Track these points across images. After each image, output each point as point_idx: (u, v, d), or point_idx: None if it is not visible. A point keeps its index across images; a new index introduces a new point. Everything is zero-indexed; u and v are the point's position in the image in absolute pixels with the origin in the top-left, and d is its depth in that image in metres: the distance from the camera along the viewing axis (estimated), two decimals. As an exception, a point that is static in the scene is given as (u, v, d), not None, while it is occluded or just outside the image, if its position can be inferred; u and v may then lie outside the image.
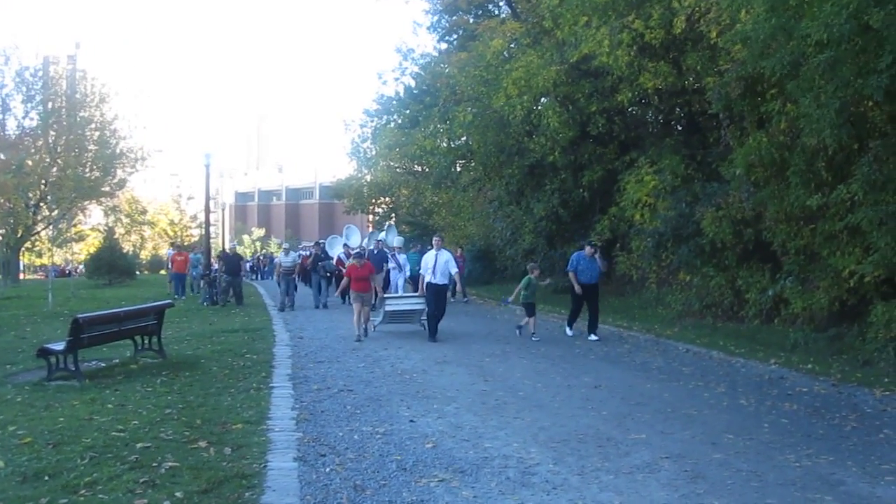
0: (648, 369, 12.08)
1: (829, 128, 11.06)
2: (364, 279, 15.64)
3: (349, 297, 19.26)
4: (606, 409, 9.16)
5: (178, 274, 30.14)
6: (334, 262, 24.37)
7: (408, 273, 23.14)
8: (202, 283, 26.94)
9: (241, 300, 24.61)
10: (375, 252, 22.09)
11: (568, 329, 16.29)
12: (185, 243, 49.04)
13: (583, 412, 9.00)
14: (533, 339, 15.20)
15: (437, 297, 15.51)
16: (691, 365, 12.66)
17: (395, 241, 25.23)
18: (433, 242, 16.05)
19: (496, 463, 6.80)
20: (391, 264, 22.69)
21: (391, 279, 22.75)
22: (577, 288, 15.71)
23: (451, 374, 11.32)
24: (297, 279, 25.10)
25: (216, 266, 26.26)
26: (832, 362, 12.07)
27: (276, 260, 31.04)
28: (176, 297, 27.65)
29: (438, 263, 15.41)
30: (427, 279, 15.46)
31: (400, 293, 21.79)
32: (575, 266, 15.89)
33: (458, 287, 22.63)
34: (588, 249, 15.98)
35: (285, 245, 29.03)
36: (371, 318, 16.24)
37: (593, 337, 15.43)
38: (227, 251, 27.99)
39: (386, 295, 17.35)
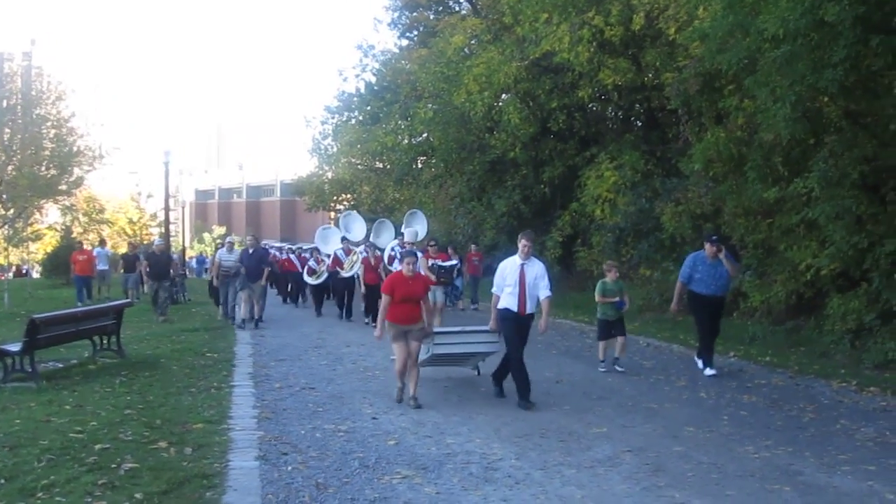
0: (609, 364, 12.16)
1: (784, 122, 11.19)
2: (415, 300, 9.45)
3: (366, 316, 17.25)
4: (568, 403, 9.23)
5: (81, 277, 24.57)
6: (330, 261, 19.37)
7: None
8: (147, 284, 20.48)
9: (166, 311, 19.11)
10: (251, 252, 17.74)
11: (705, 367, 11.31)
12: (144, 241, 48.44)
13: (544, 407, 9.04)
14: (600, 368, 11.64)
15: (521, 333, 9.52)
16: (652, 359, 12.78)
17: (410, 233, 17.81)
18: (520, 245, 9.73)
19: (459, 459, 6.80)
20: (399, 264, 17.74)
21: None
22: (673, 306, 11.90)
23: (414, 371, 11.29)
24: (266, 286, 18.89)
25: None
26: (790, 354, 12.22)
27: (212, 259, 23.19)
28: (79, 304, 22.12)
29: (527, 280, 9.45)
30: (504, 303, 9.53)
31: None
32: (689, 274, 11.38)
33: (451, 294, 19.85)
34: (709, 248, 11.23)
35: (229, 239, 21.46)
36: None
37: (709, 371, 11.16)
38: (154, 250, 21.31)
39: (438, 328, 10.90)
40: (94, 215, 47.47)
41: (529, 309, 9.49)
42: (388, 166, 33.49)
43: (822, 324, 12.58)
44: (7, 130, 39.54)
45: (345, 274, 18.41)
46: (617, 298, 11.75)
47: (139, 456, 6.66)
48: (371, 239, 20.35)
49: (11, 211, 41.12)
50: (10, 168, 39.32)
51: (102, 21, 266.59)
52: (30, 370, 10.39)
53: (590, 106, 22.50)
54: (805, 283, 12.92)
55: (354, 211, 26.35)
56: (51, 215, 46.69)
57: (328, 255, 20.28)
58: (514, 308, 9.40)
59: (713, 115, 15.51)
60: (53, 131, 41.05)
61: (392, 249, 17.85)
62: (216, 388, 9.95)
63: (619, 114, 23.28)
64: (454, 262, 16.62)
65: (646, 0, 17.04)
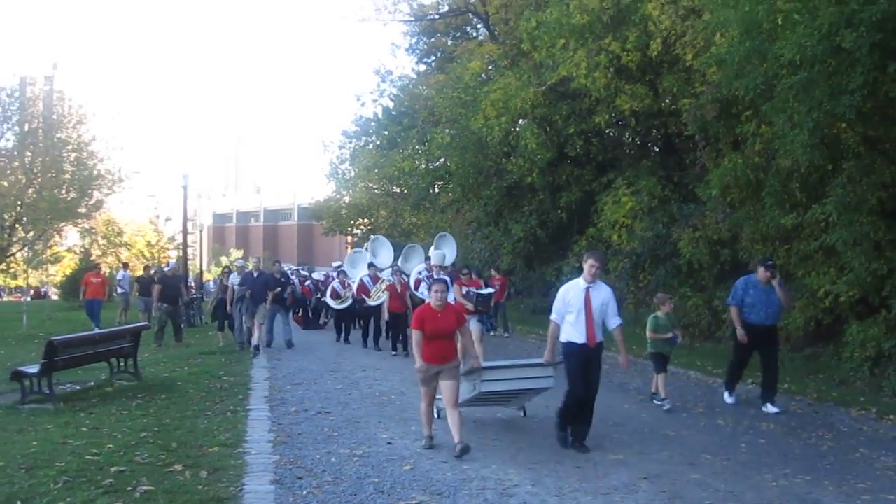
0: (626, 390, 12.10)
1: (802, 148, 11.17)
2: (447, 335, 8.31)
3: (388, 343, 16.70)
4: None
5: (93, 300, 23.68)
6: (355, 289, 18.53)
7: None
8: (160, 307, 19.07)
9: (181, 336, 19.03)
10: (256, 276, 17.09)
11: (727, 395, 11.12)
12: (161, 264, 48.64)
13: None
14: (664, 406, 10.62)
15: (587, 368, 8.30)
16: (669, 385, 12.66)
17: (437, 256, 16.55)
18: (585, 266, 8.50)
19: (474, 485, 6.77)
20: (427, 290, 15.52)
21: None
22: (740, 333, 10.50)
23: (430, 396, 11.25)
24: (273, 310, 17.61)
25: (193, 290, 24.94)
26: (808, 382, 12.13)
27: (219, 283, 22.46)
28: (95, 327, 21.20)
29: (594, 306, 8.31)
30: (567, 335, 8.37)
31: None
32: (741, 297, 10.54)
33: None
34: (762, 273, 10.40)
35: (238, 262, 21.81)
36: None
37: (772, 408, 10.28)
38: (166, 272, 21.33)
39: (487, 364, 9.22)
40: (112, 238, 47.76)
41: (598, 338, 8.33)
42: (406, 191, 33.60)
43: (841, 351, 12.49)
44: (28, 154, 39.90)
45: (371, 303, 17.83)
46: (670, 335, 10.92)
47: (155, 479, 6.67)
48: (400, 264, 19.63)
49: (31, 233, 41.49)
50: (30, 191, 39.66)
51: (124, 46, 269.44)
52: (48, 392, 10.46)
53: (607, 131, 22.54)
54: (823, 309, 12.84)
55: (382, 235, 25.41)
56: (70, 238, 47.05)
57: (352, 280, 19.68)
58: (581, 339, 8.23)
59: (730, 141, 15.48)
60: (74, 155, 41.41)
61: (419, 273, 17.16)
62: (232, 411, 9.96)
63: (637, 139, 23.27)
64: (491, 289, 15.45)
65: (663, 26, 17.10)
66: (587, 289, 8.34)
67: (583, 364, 8.25)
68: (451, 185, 27.67)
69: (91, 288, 23.63)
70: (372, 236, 24.81)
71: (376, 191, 39.04)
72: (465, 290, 14.08)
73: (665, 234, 17.66)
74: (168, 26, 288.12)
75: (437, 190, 30.59)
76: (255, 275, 17.14)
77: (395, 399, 11.11)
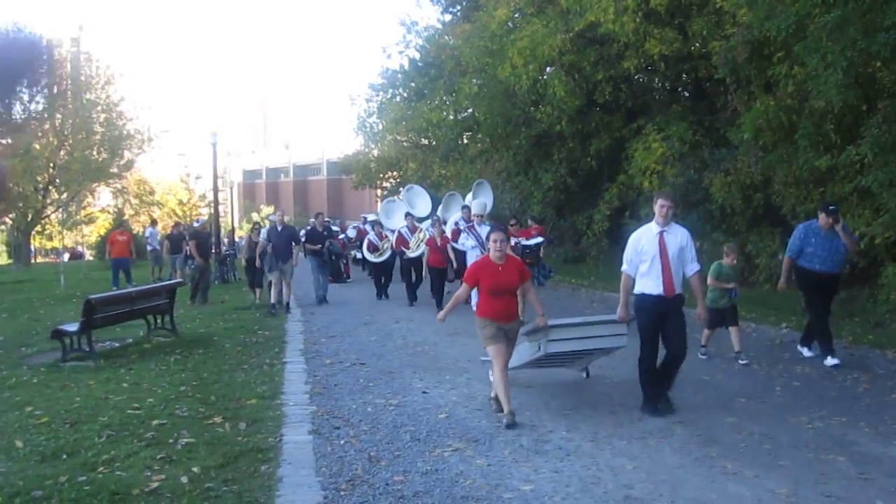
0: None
1: (836, 89, 10.99)
2: (510, 291, 7.51)
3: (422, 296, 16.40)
4: (618, 375, 9.17)
5: (119, 259, 23.04)
6: (394, 241, 17.90)
7: None
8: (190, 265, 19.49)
9: (206, 296, 18.22)
10: (280, 230, 16.23)
11: (807, 350, 10.28)
12: (192, 221, 49.05)
13: (595, 380, 9.04)
14: (700, 355, 10.26)
15: (664, 322, 7.54)
16: (702, 330, 12.67)
17: (476, 205, 16.17)
18: (656, 207, 7.68)
19: (509, 432, 6.83)
20: (466, 241, 15.15)
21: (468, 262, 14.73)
22: (781, 283, 10.27)
23: (463, 346, 11.34)
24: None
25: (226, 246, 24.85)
26: (843, 325, 12.04)
27: (247, 239, 21.24)
28: (114, 288, 20.57)
29: (670, 252, 7.51)
30: (641, 286, 7.65)
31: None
32: (799, 247, 9.97)
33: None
34: (824, 218, 9.73)
35: (271, 217, 20.76)
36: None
37: (832, 360, 9.61)
38: (196, 227, 21.24)
39: (554, 322, 7.93)
40: (144, 197, 48.19)
41: (678, 288, 7.52)
42: (434, 143, 33.43)
43: (877, 293, 12.37)
44: (58, 116, 40.26)
45: (411, 254, 16.97)
46: (732, 285, 10.40)
47: (195, 431, 6.81)
48: (440, 213, 19.00)
49: (65, 195, 41.97)
50: (62, 153, 40.10)
51: (148, 5, 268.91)
52: (87, 349, 10.65)
53: (636, 77, 22.23)
54: (859, 252, 12.71)
55: (417, 185, 24.48)
56: (103, 198, 47.53)
57: (391, 231, 19.26)
58: (657, 290, 7.45)
59: (762, 84, 15.25)
60: (103, 115, 41.74)
61: (455, 224, 16.44)
62: (268, 364, 10.11)
63: (666, 84, 22.95)
64: (539, 238, 14.87)
65: (692, -33, 16.81)
66: (661, 233, 7.55)
67: (659, 318, 7.48)
68: (479, 136, 27.49)
69: (117, 247, 23.12)
70: (406, 186, 23.80)
71: (405, 143, 38.88)
72: (512, 241, 13.37)
73: (697, 179, 17.52)
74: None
75: (465, 141, 30.41)
76: (280, 228, 16.33)
77: (429, 350, 11.20)
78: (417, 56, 33.29)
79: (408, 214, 18.54)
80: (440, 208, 19.84)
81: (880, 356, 10.02)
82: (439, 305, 14.77)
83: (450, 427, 7.03)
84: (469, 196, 19.42)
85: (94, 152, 41.13)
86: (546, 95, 21.79)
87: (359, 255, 24.26)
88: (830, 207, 9.88)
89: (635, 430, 6.84)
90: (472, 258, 14.43)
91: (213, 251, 22.83)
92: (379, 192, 50.42)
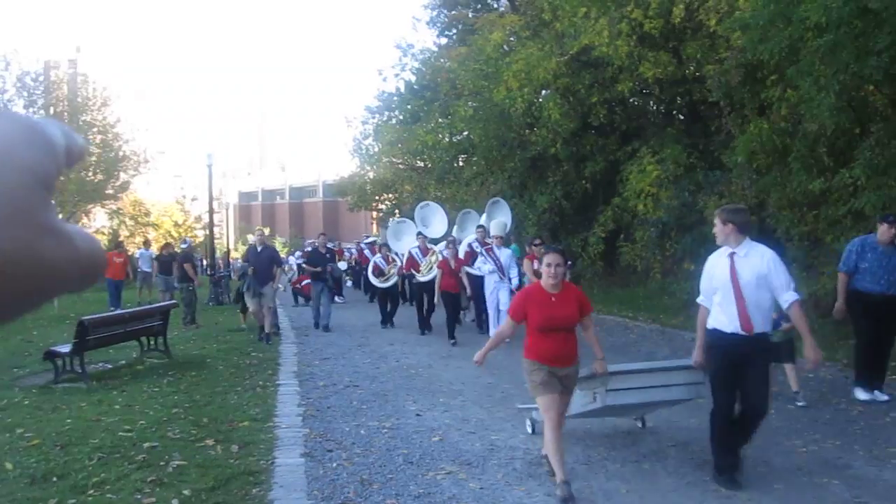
0: (654, 358, 12.06)
1: (829, 112, 11.05)
2: (568, 327, 6.20)
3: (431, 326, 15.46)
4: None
5: (113, 280, 22.85)
6: (404, 262, 16.79)
7: (514, 280, 14.40)
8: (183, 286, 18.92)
9: (195, 318, 17.93)
10: (259, 250, 14.93)
11: (860, 390, 8.79)
12: (195, 243, 49.01)
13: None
14: (798, 403, 8.63)
15: (739, 368, 6.00)
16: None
17: (495, 226, 15.59)
18: (716, 225, 6.26)
19: (503, 454, 6.81)
20: (483, 266, 14.49)
21: (486, 292, 14.53)
22: (838, 307, 8.92)
23: (457, 368, 11.32)
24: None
25: (222, 267, 24.84)
26: (838, 347, 12.01)
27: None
28: (112, 308, 20.44)
29: (742, 278, 6.03)
30: (713, 321, 6.23)
31: (494, 319, 13.93)
32: (854, 263, 8.81)
33: None
34: (885, 230, 8.55)
35: (252, 238, 18.16)
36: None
37: (882, 395, 8.64)
38: (186, 249, 21.00)
39: (615, 368, 6.83)
40: (140, 219, 48.20)
41: (759, 325, 5.95)
42: (429, 165, 33.50)
43: (871, 316, 12.36)
44: (55, 137, 40.33)
45: (422, 278, 15.67)
46: (775, 314, 8.30)
47: (187, 453, 6.77)
48: (455, 233, 17.80)
49: (60, 216, 41.93)
50: (57, 174, 40.11)
51: (145, 27, 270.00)
52: (80, 371, 10.61)
53: (631, 100, 22.35)
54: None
55: (433, 202, 23.02)
56: (98, 219, 47.52)
57: (397, 254, 18.20)
58: (731, 327, 5.97)
59: (756, 107, 15.32)
60: (100, 137, 41.87)
61: (469, 246, 15.44)
62: (261, 386, 10.08)
63: (661, 107, 23.06)
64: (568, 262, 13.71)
65: (686, -9, 16.91)
66: (732, 255, 6.08)
67: (732, 362, 5.97)
68: (474, 158, 27.57)
69: (112, 268, 22.36)
70: (421, 203, 22.15)
71: (400, 165, 38.96)
72: (536, 263, 11.73)
73: (691, 201, 17.56)
74: (190, 5, 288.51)
75: (460, 163, 30.49)
76: (259, 249, 14.96)
77: (423, 372, 11.18)
78: (413, 79, 33.46)
79: (419, 234, 17.47)
80: (455, 228, 18.92)
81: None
82: (451, 335, 14.12)
83: (443, 450, 7.00)
84: (484, 216, 18.59)
85: (90, 173, 41.20)
86: (541, 118, 21.88)
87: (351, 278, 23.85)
88: (891, 218, 8.71)
89: (629, 454, 6.82)
90: (488, 284, 14.27)
91: (208, 273, 22.68)
92: (374, 214, 50.48)
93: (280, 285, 15.73)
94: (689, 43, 17.90)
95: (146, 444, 7.06)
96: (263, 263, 14.64)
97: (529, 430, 7.43)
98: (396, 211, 43.30)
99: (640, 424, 7.78)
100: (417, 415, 8.46)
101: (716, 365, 6.17)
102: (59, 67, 43.78)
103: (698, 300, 6.49)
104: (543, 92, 22.07)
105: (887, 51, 10.18)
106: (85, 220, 45.36)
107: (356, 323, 17.56)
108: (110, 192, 42.74)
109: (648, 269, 20.40)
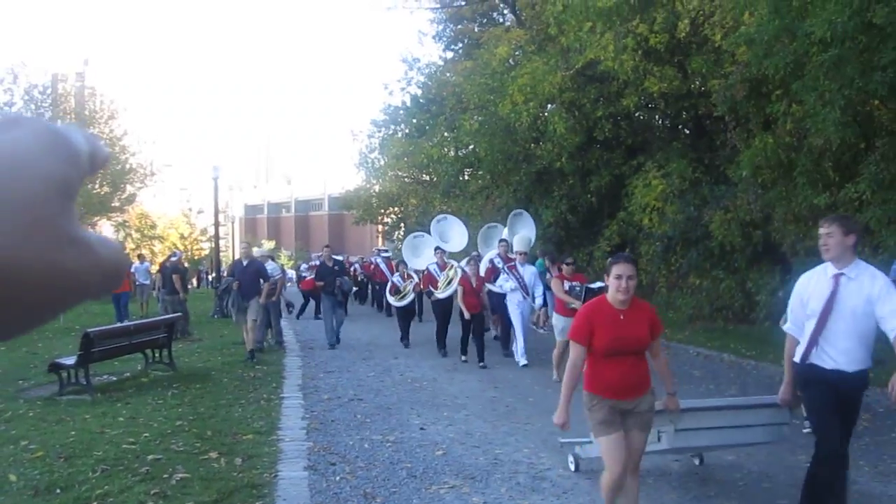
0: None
1: (834, 126, 11.07)
2: (638, 350, 5.14)
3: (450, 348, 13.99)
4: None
5: (118, 294, 21.69)
6: (422, 279, 15.79)
7: (538, 300, 13.65)
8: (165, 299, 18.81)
9: (187, 330, 17.35)
10: (245, 264, 13.99)
11: None
12: (197, 257, 49.03)
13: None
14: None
15: (840, 406, 5.09)
16: (702, 368, 12.65)
17: (518, 241, 14.82)
18: (821, 234, 5.09)
19: (506, 468, 6.80)
20: (506, 284, 13.47)
21: (510, 309, 13.49)
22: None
23: (462, 382, 11.32)
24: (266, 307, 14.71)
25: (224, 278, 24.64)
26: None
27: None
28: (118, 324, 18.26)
29: (844, 305, 5.01)
30: (809, 355, 5.16)
31: (522, 341, 13.04)
32: None
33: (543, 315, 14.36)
34: None
35: (258, 251, 17.62)
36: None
37: None
38: (174, 261, 20.13)
39: (687, 405, 5.97)
40: (146, 231, 48.32)
41: (857, 362, 5.10)
42: (435, 178, 33.57)
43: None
44: (62, 149, 40.54)
45: (440, 294, 14.56)
46: None
47: (190, 466, 6.76)
48: (480, 248, 17.36)
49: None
50: (64, 186, 40.30)
51: (154, 40, 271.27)
52: (84, 383, 10.60)
53: (636, 114, 22.41)
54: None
55: (450, 215, 21.67)
56: (104, 232, 47.63)
57: (415, 271, 17.29)
58: (829, 363, 5.06)
59: (761, 121, 15.36)
60: (106, 150, 42.06)
61: (490, 262, 14.62)
62: (266, 399, 10.07)
63: (666, 121, 23.11)
64: (602, 283, 11.79)
65: (691, 6, 16.97)
66: (836, 277, 5.02)
67: (833, 400, 5.04)
68: (480, 172, 27.62)
69: None
70: (439, 216, 20.79)
71: (406, 179, 39.06)
72: (567, 285, 11.34)
73: (696, 216, 17.57)
74: (197, 19, 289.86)
75: (466, 177, 30.54)
76: (245, 263, 14.03)
77: (427, 385, 11.17)
78: (419, 92, 33.57)
79: (437, 249, 16.06)
80: (479, 242, 18.15)
81: (880, 394, 9.93)
82: (464, 351, 13.35)
83: (446, 464, 6.99)
84: (506, 230, 17.70)
85: (97, 186, 41.35)
86: (546, 132, 21.93)
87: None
88: None
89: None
90: (512, 303, 13.30)
91: (213, 286, 22.38)
92: (380, 227, 50.57)
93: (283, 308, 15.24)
94: (695, 57, 17.95)
95: (150, 457, 7.06)
96: (249, 278, 13.70)
97: (572, 468, 6.65)
98: (402, 224, 43.40)
99: (696, 461, 6.91)
100: (421, 428, 8.45)
101: (818, 403, 5.21)
102: (66, 80, 43.96)
103: (785, 327, 5.50)
104: (549, 106, 22.13)
105: (892, 65, 10.22)
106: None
107: (361, 336, 17.52)
108: (116, 204, 42.90)
109: (654, 284, 20.40)
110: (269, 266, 15.75)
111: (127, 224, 46.00)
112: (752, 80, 14.52)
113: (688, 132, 22.46)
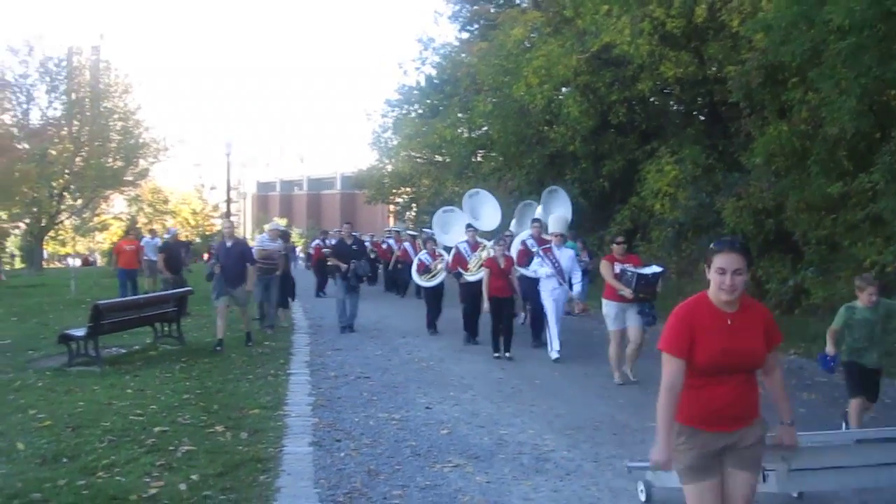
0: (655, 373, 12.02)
1: (849, 115, 10.99)
2: (748, 367, 3.83)
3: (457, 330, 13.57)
4: (623, 397, 9.14)
5: (125, 270, 20.89)
6: (451, 259, 14.54)
7: (578, 287, 12.65)
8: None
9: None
10: (229, 246, 12.72)
11: None
12: (208, 233, 49.11)
13: (599, 400, 8.99)
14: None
15: None
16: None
17: (554, 221, 13.93)
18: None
19: (511, 449, 6.81)
20: (540, 269, 12.11)
21: (542, 297, 12.25)
22: None
23: (469, 363, 11.34)
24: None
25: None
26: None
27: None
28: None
29: None
30: None
31: (556, 332, 11.80)
32: None
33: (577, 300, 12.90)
34: None
35: (272, 226, 17.17)
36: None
37: None
38: (167, 239, 19.23)
39: (808, 439, 4.93)
40: (158, 206, 48.45)
41: None
42: (448, 160, 33.50)
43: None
44: (76, 122, 40.65)
45: (470, 277, 13.56)
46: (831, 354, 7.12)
47: (196, 439, 6.82)
48: (513, 227, 16.15)
49: (79, 201, 42.27)
50: (78, 159, 40.45)
51: (169, 15, 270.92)
52: (94, 355, 10.68)
53: (651, 99, 22.25)
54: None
55: (483, 190, 19.86)
56: (117, 205, 47.81)
57: (446, 248, 16.09)
58: None
59: (776, 109, 15.22)
60: (120, 123, 42.15)
61: (523, 243, 13.57)
62: (273, 375, 10.11)
63: (681, 107, 22.95)
64: (657, 268, 10.26)
65: (709, -9, 16.82)
66: None
67: None
68: (493, 154, 27.57)
69: (123, 256, 21.05)
70: (470, 191, 19.18)
71: (419, 159, 38.96)
72: (618, 267, 10.06)
73: (709, 203, 17.47)
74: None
75: (479, 158, 30.48)
76: (229, 245, 12.81)
77: (435, 365, 11.20)
78: (433, 73, 33.43)
79: (469, 226, 14.98)
80: (513, 222, 17.00)
81: (889, 385, 9.92)
82: (496, 347, 12.13)
83: (451, 443, 7.01)
84: (539, 208, 16.44)
85: (110, 160, 41.47)
86: (560, 115, 21.82)
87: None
88: None
89: (637, 452, 6.77)
90: (545, 290, 12.05)
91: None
92: (391, 207, 50.54)
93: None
94: (711, 43, 17.81)
95: (156, 429, 7.11)
96: (233, 261, 12.55)
97: (642, 498, 5.52)
98: (413, 204, 43.35)
99: (794, 494, 5.53)
100: (427, 408, 8.47)
101: None
102: (81, 53, 43.98)
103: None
104: (563, 89, 22.02)
105: (910, 55, 10.12)
106: (104, 205, 45.67)
107: (370, 315, 17.54)
108: (129, 178, 43.01)
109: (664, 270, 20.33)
110: (277, 244, 15.29)
111: (140, 198, 46.12)
112: (768, 67, 14.39)
113: (702, 118, 22.33)
